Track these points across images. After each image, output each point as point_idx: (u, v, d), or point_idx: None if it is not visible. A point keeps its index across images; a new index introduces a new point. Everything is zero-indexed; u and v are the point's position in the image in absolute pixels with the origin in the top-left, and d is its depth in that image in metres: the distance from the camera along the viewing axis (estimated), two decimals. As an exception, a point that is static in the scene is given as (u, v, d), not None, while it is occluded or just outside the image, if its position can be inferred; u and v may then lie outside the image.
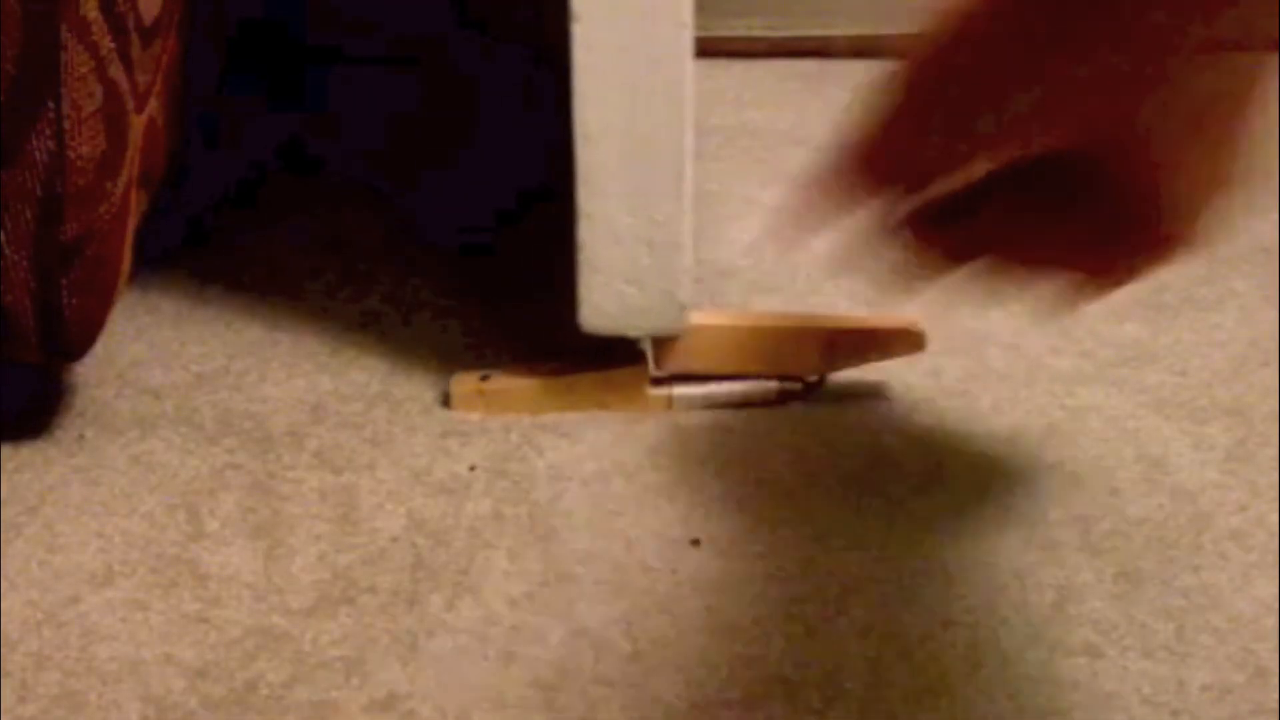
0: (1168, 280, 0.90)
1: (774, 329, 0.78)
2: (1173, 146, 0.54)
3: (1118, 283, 0.63)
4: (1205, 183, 0.56)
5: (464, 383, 0.79)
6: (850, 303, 0.89)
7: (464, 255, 0.95)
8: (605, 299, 0.75)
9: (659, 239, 0.74)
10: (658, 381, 0.79)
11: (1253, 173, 0.56)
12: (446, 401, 0.79)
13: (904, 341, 0.79)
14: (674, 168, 0.73)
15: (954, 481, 0.73)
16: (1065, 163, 0.56)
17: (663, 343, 0.77)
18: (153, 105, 0.75)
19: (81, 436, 0.76)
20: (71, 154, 0.67)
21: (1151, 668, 0.62)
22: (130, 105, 0.70)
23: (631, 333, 0.76)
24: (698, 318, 0.77)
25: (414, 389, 0.81)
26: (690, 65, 0.71)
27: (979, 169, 0.58)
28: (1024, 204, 0.59)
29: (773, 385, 0.79)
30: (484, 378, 0.79)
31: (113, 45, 0.67)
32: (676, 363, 0.78)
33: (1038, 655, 0.62)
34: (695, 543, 0.69)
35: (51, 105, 0.66)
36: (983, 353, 0.84)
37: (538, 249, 0.96)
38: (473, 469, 0.74)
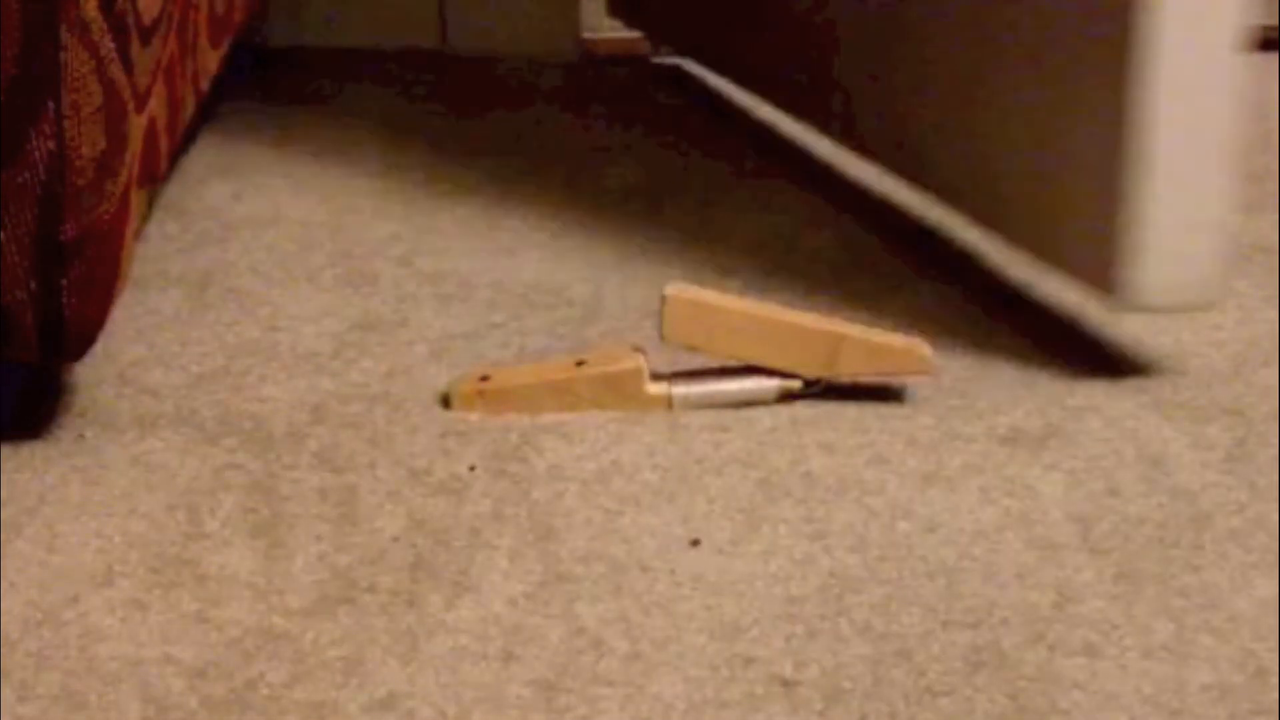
0: (1167, 280, 0.91)
1: (784, 323, 0.78)
2: None
3: None
4: None
5: (464, 383, 0.79)
6: (850, 304, 0.89)
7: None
8: (1155, 277, 0.79)
9: (1204, 218, 0.79)
10: (657, 381, 0.79)
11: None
12: (446, 401, 0.79)
13: (912, 363, 0.79)
14: (1223, 150, 0.78)
15: (954, 481, 0.73)
16: None
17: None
18: (153, 105, 0.75)
19: (81, 436, 0.76)
20: (71, 154, 0.67)
21: (1151, 667, 0.62)
22: (130, 105, 0.70)
23: (1176, 309, 0.81)
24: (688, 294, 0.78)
25: (414, 389, 0.81)
26: (1242, 54, 0.76)
27: None
28: None
29: (772, 385, 0.79)
30: (484, 378, 0.79)
31: (113, 45, 0.67)
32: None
33: (1038, 655, 0.62)
34: (695, 542, 0.69)
35: (51, 105, 0.66)
36: (983, 353, 0.84)
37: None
38: (473, 469, 0.74)
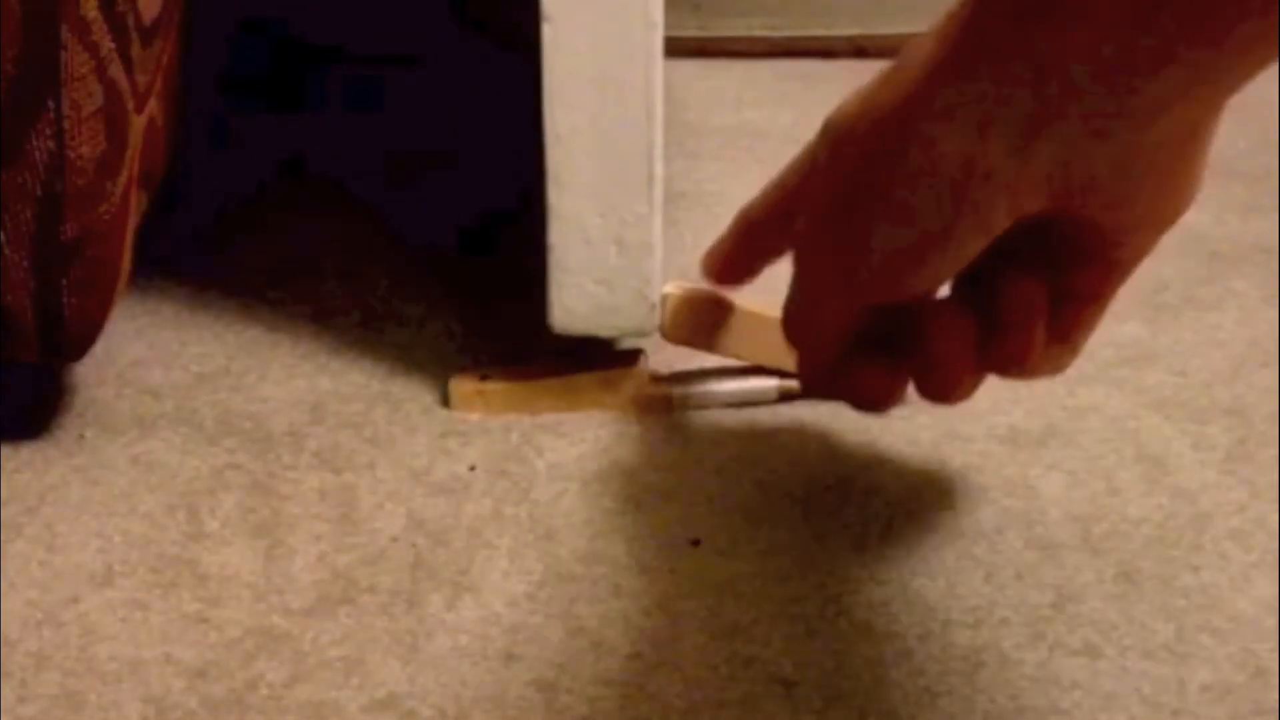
0: (1168, 280, 0.90)
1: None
2: (1127, 191, 0.54)
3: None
4: (1154, 220, 0.57)
5: (464, 383, 0.79)
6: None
7: (462, 255, 0.95)
8: (575, 300, 0.75)
9: (629, 239, 0.74)
10: (657, 381, 0.79)
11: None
12: (446, 401, 0.79)
13: None
14: (643, 167, 0.73)
15: (954, 482, 0.73)
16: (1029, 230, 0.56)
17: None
18: (153, 105, 0.75)
19: (81, 436, 0.76)
20: (71, 154, 0.67)
21: (1151, 668, 0.62)
22: (130, 105, 0.70)
23: (602, 333, 0.77)
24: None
25: (414, 389, 0.81)
26: (659, 65, 0.71)
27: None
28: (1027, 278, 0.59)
29: (772, 384, 0.79)
30: (484, 378, 0.79)
31: (113, 45, 0.67)
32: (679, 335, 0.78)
33: (1038, 655, 0.62)
34: (695, 542, 0.69)
35: (51, 105, 0.66)
36: (983, 353, 0.84)
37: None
38: (473, 469, 0.74)
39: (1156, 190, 0.54)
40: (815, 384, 0.67)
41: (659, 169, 0.74)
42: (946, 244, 0.55)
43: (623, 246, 0.75)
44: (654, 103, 0.72)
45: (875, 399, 0.64)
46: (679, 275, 0.87)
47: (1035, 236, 0.57)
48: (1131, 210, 0.55)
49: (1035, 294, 0.60)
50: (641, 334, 0.77)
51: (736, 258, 0.71)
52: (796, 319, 0.64)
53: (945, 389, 0.62)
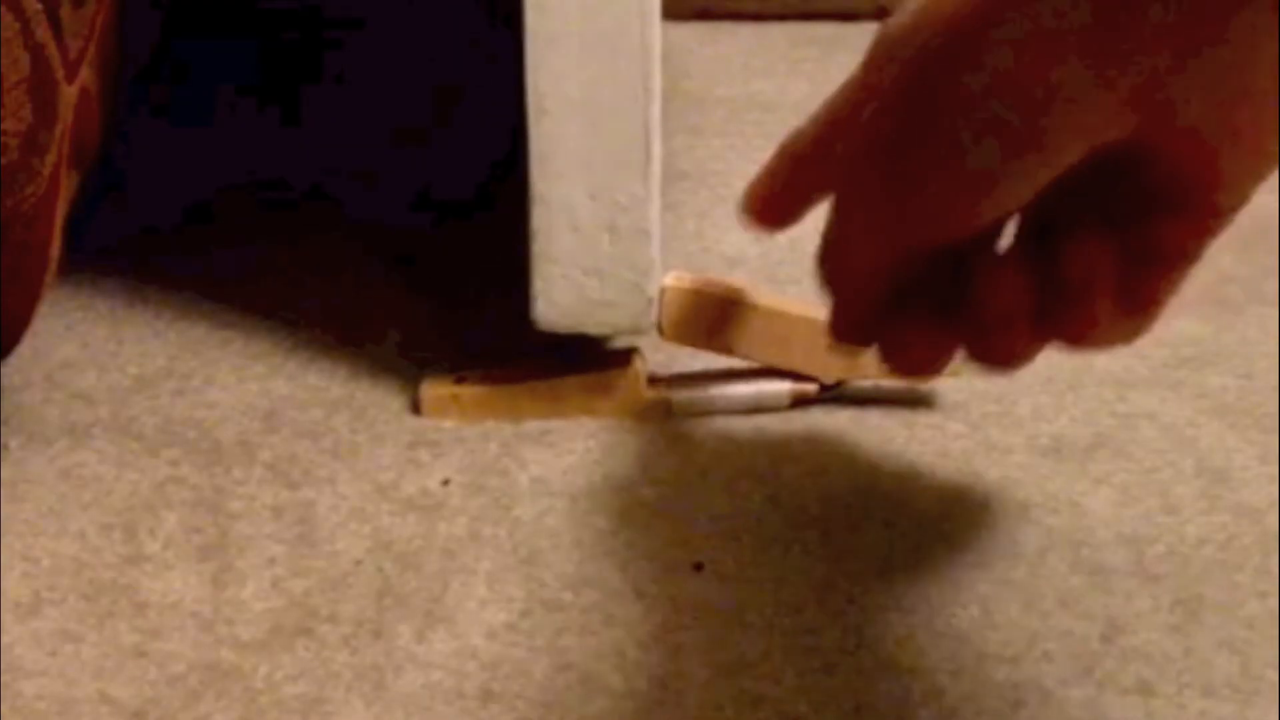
0: (1230, 272, 0.91)
1: (799, 319, 0.78)
2: (1219, 115, 0.54)
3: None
4: (1253, 148, 0.56)
5: (436, 386, 0.79)
6: (873, 296, 0.89)
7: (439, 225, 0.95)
8: (562, 292, 0.75)
9: (623, 224, 0.74)
10: (655, 384, 0.79)
11: None
12: (416, 407, 0.79)
13: None
14: (639, 144, 0.73)
15: (990, 498, 0.74)
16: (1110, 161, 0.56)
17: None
18: (85, 74, 0.75)
19: (5, 448, 0.76)
20: (-7, 128, 0.67)
21: (1213, 707, 0.62)
22: (60, 74, 0.70)
23: (593, 330, 0.77)
24: (687, 282, 0.78)
25: (380, 393, 0.81)
26: (658, 29, 0.71)
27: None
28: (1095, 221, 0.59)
29: (785, 388, 0.79)
30: (459, 380, 0.80)
31: (40, 6, 0.67)
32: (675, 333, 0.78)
33: (1084, 692, 0.62)
34: (697, 567, 0.69)
35: (-30, 73, 0.66)
36: (1022, 353, 0.84)
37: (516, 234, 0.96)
38: (446, 483, 0.74)
39: (1256, 117, 0.54)
40: (850, 336, 0.67)
41: (656, 146, 0.74)
42: (1012, 171, 0.55)
43: (616, 233, 0.75)
44: (651, 71, 0.72)
45: (918, 359, 0.64)
46: (680, 265, 0.87)
47: (1114, 182, 0.57)
48: (1227, 140, 0.55)
49: (1101, 252, 0.60)
50: (637, 331, 0.77)
51: (780, 195, 0.69)
52: (834, 258, 0.63)
53: (998, 353, 0.62)
